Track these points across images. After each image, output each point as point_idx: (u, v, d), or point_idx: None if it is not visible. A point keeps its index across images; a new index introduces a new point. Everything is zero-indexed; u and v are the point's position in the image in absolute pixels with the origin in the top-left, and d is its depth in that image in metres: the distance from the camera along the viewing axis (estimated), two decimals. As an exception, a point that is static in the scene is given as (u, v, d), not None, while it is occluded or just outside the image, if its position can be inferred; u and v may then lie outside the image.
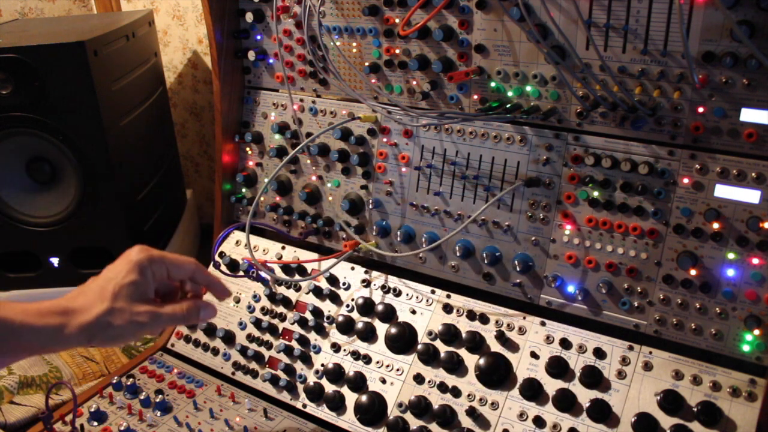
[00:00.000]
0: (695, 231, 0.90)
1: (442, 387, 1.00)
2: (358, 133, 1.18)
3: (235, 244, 1.30)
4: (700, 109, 0.87)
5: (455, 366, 1.01)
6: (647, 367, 0.92)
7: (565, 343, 0.97)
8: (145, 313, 0.80)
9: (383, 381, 1.05)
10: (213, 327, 1.21)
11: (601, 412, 0.90)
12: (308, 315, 1.15)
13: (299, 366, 1.12)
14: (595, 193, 0.97)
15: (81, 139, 1.22)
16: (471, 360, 1.01)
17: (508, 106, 1.00)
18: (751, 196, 0.86)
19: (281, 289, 1.20)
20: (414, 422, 0.99)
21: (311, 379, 1.10)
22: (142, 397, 1.09)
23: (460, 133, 1.07)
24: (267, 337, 1.17)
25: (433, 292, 1.10)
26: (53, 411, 1.09)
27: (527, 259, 1.03)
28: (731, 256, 0.88)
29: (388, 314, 1.10)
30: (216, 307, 0.89)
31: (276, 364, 1.13)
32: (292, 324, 1.16)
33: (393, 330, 1.07)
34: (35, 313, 0.77)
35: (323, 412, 1.06)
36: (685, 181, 0.90)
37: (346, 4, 1.12)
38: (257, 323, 1.18)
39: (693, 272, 0.91)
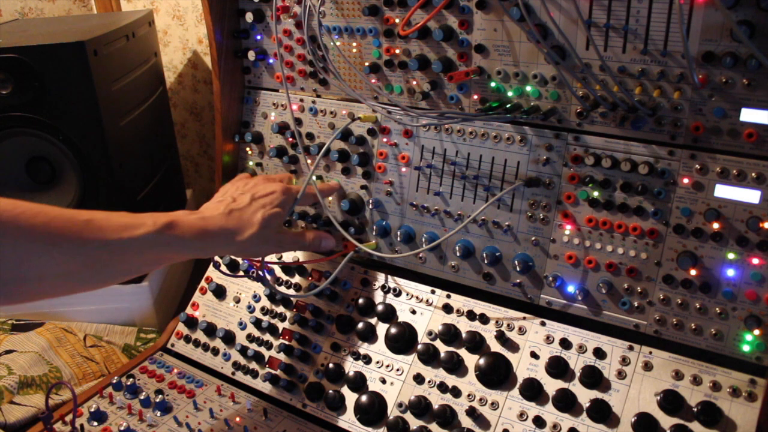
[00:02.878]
0: (695, 231, 0.90)
1: (442, 387, 1.00)
2: (358, 133, 1.18)
3: (235, 244, 1.30)
4: (700, 109, 0.87)
5: (455, 366, 1.01)
6: (647, 367, 0.92)
7: (565, 343, 0.97)
8: (291, 237, 1.10)
9: (383, 381, 1.05)
10: (213, 327, 1.21)
11: (601, 412, 0.90)
12: (308, 315, 1.15)
13: (299, 366, 1.12)
14: (595, 193, 0.97)
15: (81, 139, 1.22)
16: (471, 360, 1.01)
17: (508, 106, 1.00)
18: (751, 196, 0.86)
19: (281, 289, 1.20)
20: (414, 422, 0.99)
21: (311, 379, 1.10)
22: (142, 397, 1.09)
23: (460, 133, 1.07)
24: (267, 337, 1.17)
25: (433, 292, 1.10)
26: (53, 411, 1.09)
27: (527, 259, 1.03)
28: (731, 256, 0.88)
29: (388, 314, 1.10)
30: (334, 242, 1.16)
31: (276, 364, 1.13)
32: (292, 324, 1.16)
33: (393, 330, 1.07)
34: (218, 217, 0.97)
35: (323, 412, 1.06)
36: (685, 181, 0.90)
37: (346, 4, 1.12)
38: (257, 323, 1.18)
39: (693, 272, 0.91)
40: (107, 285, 0.90)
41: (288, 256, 1.24)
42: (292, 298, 1.18)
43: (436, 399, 1.00)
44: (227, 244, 0.98)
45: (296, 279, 1.21)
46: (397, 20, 1.07)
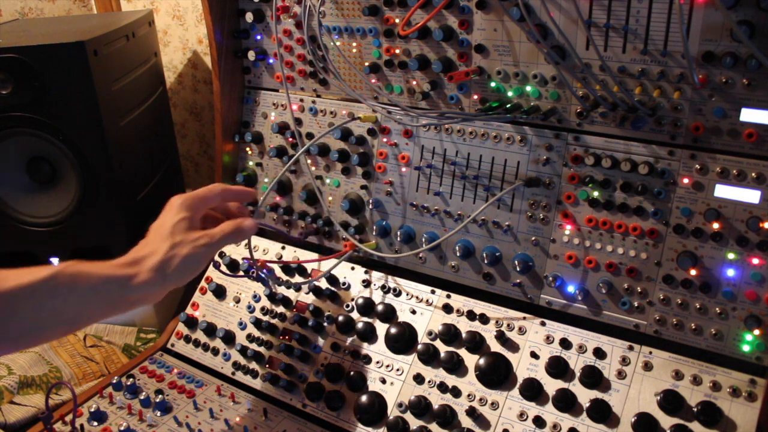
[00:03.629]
0: (695, 231, 0.90)
1: (442, 387, 1.00)
2: (358, 133, 1.18)
3: (234, 244, 1.30)
4: (700, 109, 0.87)
5: (455, 366, 1.01)
6: (647, 367, 0.92)
7: (565, 343, 0.97)
8: (202, 236, 0.90)
9: (383, 381, 1.05)
10: (213, 327, 1.21)
11: (601, 412, 0.90)
12: (308, 315, 1.15)
13: (299, 366, 1.12)
14: (595, 193, 0.97)
15: (81, 139, 1.22)
16: (471, 360, 1.01)
17: (508, 106, 1.00)
18: (751, 196, 0.86)
19: (281, 289, 1.20)
20: (414, 422, 0.99)
21: (311, 379, 1.10)
22: (142, 397, 1.09)
23: (460, 133, 1.07)
24: (267, 337, 1.17)
25: (433, 292, 1.10)
26: (53, 411, 1.09)
27: (527, 259, 1.03)
28: (731, 256, 0.88)
29: (388, 314, 1.10)
30: (255, 222, 0.98)
31: (276, 364, 1.13)
32: (292, 324, 1.16)
33: (393, 330, 1.07)
34: (109, 266, 0.85)
35: (323, 412, 1.06)
36: (685, 181, 0.90)
37: (346, 4, 1.12)
38: (257, 323, 1.18)
39: (693, 272, 0.91)
40: (18, 346, 0.85)
41: (288, 256, 1.24)
42: (292, 298, 1.18)
43: (436, 399, 1.00)
44: (124, 288, 0.84)
45: (296, 279, 1.21)
46: (397, 20, 1.07)
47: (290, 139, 1.25)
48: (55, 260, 1.32)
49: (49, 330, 0.83)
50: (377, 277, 1.15)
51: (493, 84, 1.02)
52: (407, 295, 1.11)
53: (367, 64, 1.13)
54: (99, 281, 0.83)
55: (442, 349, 1.03)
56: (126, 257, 0.87)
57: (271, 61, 1.27)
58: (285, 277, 1.21)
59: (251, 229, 0.96)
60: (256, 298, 1.22)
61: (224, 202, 1.00)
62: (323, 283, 1.17)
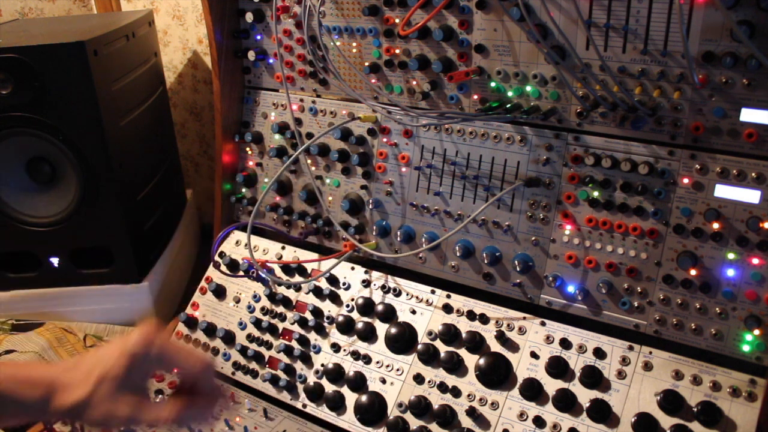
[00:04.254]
0: (695, 231, 0.90)
1: (442, 387, 1.00)
2: (358, 133, 1.18)
3: (234, 244, 1.30)
4: (700, 109, 0.87)
5: (455, 366, 1.01)
6: (647, 367, 0.92)
7: (565, 343, 0.97)
8: (126, 407, 0.73)
9: (383, 381, 1.05)
10: (213, 327, 1.21)
11: (601, 412, 0.90)
12: (308, 315, 1.15)
13: (299, 366, 1.12)
14: (595, 193, 0.97)
15: (81, 139, 1.22)
16: (471, 360, 1.01)
17: (508, 106, 1.00)
18: (751, 196, 0.86)
19: (281, 289, 1.20)
20: (414, 422, 0.99)
21: (311, 379, 1.10)
22: (142, 397, 1.09)
23: (460, 133, 1.07)
24: (267, 337, 1.17)
25: (433, 292, 1.10)
26: (53, 411, 1.09)
27: (527, 259, 1.03)
28: (731, 256, 0.88)
29: (388, 314, 1.10)
30: (211, 416, 0.80)
31: (276, 364, 1.13)
32: (292, 324, 1.16)
33: (393, 330, 1.07)
34: (25, 380, 0.72)
35: (323, 412, 1.06)
36: (685, 181, 0.90)
37: (346, 4, 1.12)
38: (257, 323, 1.18)
39: (693, 272, 0.91)
40: None
41: (288, 256, 1.24)
42: (292, 298, 1.18)
43: (436, 399, 1.00)
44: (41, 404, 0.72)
45: (296, 279, 1.21)
46: (397, 20, 1.07)
47: (290, 139, 1.25)
48: (54, 260, 1.32)
49: None
50: (377, 277, 1.15)
51: (493, 84, 1.02)
52: (407, 295, 1.11)
53: (367, 64, 1.13)
54: (10, 400, 0.71)
55: (442, 349, 1.03)
56: (48, 372, 0.74)
57: (271, 61, 1.27)
58: (285, 277, 1.21)
59: (196, 427, 0.85)
60: (256, 298, 1.22)
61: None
62: (323, 283, 1.17)
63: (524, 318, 1.02)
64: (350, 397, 1.05)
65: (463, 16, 1.01)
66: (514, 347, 1.00)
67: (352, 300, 1.14)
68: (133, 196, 1.35)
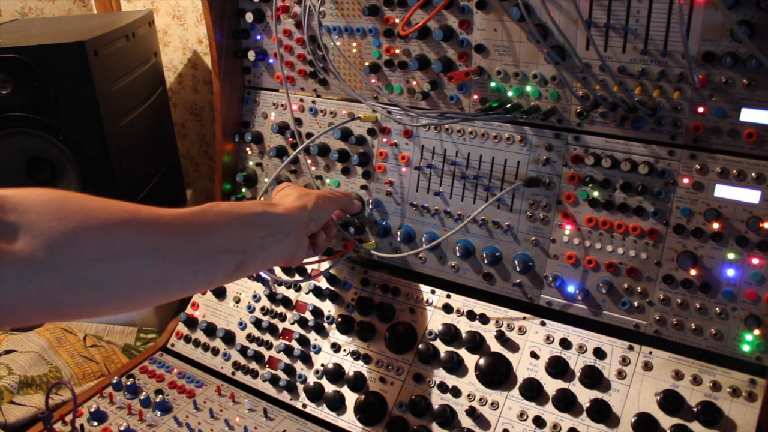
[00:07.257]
0: (695, 231, 0.90)
1: (442, 387, 1.00)
2: (358, 133, 1.18)
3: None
4: (700, 109, 0.87)
5: (455, 366, 1.01)
6: (647, 367, 0.92)
7: (565, 343, 0.97)
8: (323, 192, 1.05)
9: (383, 381, 1.05)
10: (213, 327, 1.21)
11: (601, 412, 0.90)
12: (308, 315, 1.15)
13: (299, 366, 1.12)
14: (595, 193, 0.97)
15: (81, 139, 1.22)
16: (471, 360, 1.01)
17: (508, 106, 1.00)
18: (751, 196, 0.86)
19: (281, 289, 1.20)
20: (414, 422, 0.99)
21: (311, 379, 1.10)
22: (142, 397, 1.09)
23: (460, 133, 1.07)
24: (267, 337, 1.17)
25: (433, 292, 1.10)
26: (53, 411, 1.09)
27: (527, 259, 1.03)
28: (731, 256, 0.88)
29: (388, 314, 1.10)
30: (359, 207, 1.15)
31: (276, 364, 1.13)
32: (292, 324, 1.16)
33: (393, 330, 1.07)
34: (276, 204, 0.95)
35: (323, 412, 1.06)
36: (685, 181, 0.90)
37: (346, 4, 1.12)
38: (257, 323, 1.18)
39: (693, 272, 0.91)
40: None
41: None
42: (292, 298, 1.18)
43: (436, 399, 1.00)
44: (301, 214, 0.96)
45: (296, 278, 1.21)
46: (397, 20, 1.07)
47: (290, 139, 1.25)
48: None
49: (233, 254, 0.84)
50: (377, 276, 1.15)
51: (493, 84, 1.02)
52: (407, 295, 1.11)
53: (367, 64, 1.13)
54: (287, 218, 0.92)
55: (442, 349, 1.03)
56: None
57: (271, 61, 1.27)
58: (285, 277, 1.21)
59: (357, 209, 1.15)
60: (256, 298, 1.22)
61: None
62: (323, 283, 1.17)
63: (524, 318, 1.02)
64: (350, 397, 1.05)
65: (463, 16, 1.01)
66: (514, 347, 1.00)
67: (352, 300, 1.14)
68: (133, 196, 1.35)
